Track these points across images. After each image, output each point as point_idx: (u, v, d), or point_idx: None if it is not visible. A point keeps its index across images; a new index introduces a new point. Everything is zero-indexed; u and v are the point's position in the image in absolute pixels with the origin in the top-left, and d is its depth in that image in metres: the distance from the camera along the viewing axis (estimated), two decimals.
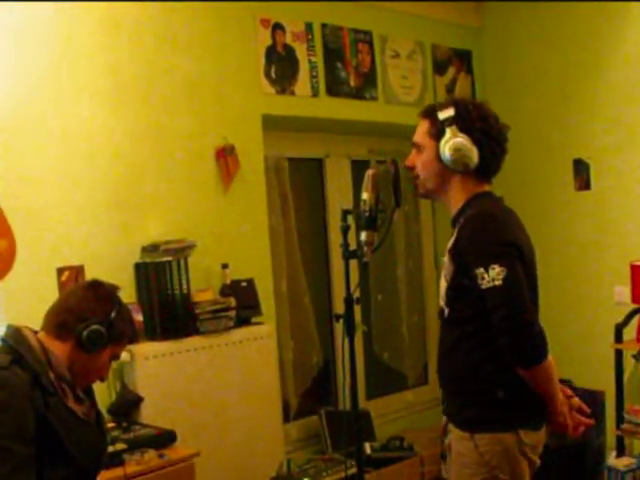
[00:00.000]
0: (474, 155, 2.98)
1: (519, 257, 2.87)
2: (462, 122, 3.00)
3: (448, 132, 2.98)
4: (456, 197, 3.09)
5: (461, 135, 2.98)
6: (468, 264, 2.89)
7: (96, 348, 2.84)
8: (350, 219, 3.34)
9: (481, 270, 2.81)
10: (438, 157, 3.02)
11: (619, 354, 5.46)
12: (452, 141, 2.97)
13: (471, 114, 3.02)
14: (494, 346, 2.85)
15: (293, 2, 5.41)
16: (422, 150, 3.11)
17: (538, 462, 3.02)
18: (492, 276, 2.78)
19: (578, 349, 6.03)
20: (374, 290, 6.44)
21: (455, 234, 3.01)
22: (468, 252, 2.91)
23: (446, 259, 3.03)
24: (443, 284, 3.07)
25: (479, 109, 3.07)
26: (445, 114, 3.01)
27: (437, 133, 3.03)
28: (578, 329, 6.10)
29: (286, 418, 5.52)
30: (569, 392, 3.13)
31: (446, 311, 3.07)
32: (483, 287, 2.81)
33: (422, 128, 3.13)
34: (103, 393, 4.02)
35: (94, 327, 2.81)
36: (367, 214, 3.20)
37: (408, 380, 6.66)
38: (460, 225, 3.00)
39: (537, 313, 2.96)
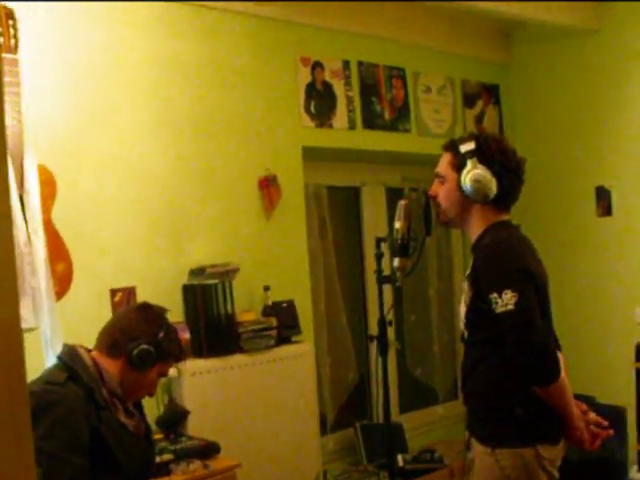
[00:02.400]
0: (493, 186, 3.01)
1: (530, 282, 2.90)
2: (482, 155, 3.03)
3: (469, 164, 3.02)
4: (475, 226, 3.12)
5: (481, 167, 3.00)
6: (483, 289, 2.91)
7: (145, 366, 2.89)
8: (384, 246, 3.37)
9: (495, 295, 2.84)
10: (459, 187, 3.06)
11: (639, 372, 5.42)
12: (472, 172, 3.01)
13: (491, 147, 3.05)
14: (511, 366, 2.87)
15: (331, 42, 5.45)
16: (444, 181, 3.15)
17: (557, 475, 3.03)
18: (505, 301, 2.81)
19: (601, 367, 6.01)
20: (407, 310, 6.44)
21: (473, 261, 3.04)
22: (483, 278, 2.94)
23: (465, 284, 3.06)
24: (463, 308, 3.10)
25: (498, 143, 3.10)
26: (466, 147, 3.04)
27: (459, 165, 3.07)
28: (601, 348, 6.07)
29: (323, 431, 5.52)
30: (585, 407, 3.13)
31: (466, 334, 3.11)
32: (497, 311, 2.84)
33: (445, 160, 3.17)
34: (152, 407, 4.04)
35: (143, 347, 2.86)
36: (399, 242, 3.22)
37: (439, 395, 6.64)
38: (477, 252, 3.03)
39: (550, 335, 2.98)
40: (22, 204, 3.68)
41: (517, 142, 3.13)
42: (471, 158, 3.02)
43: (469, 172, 3.01)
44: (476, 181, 3.00)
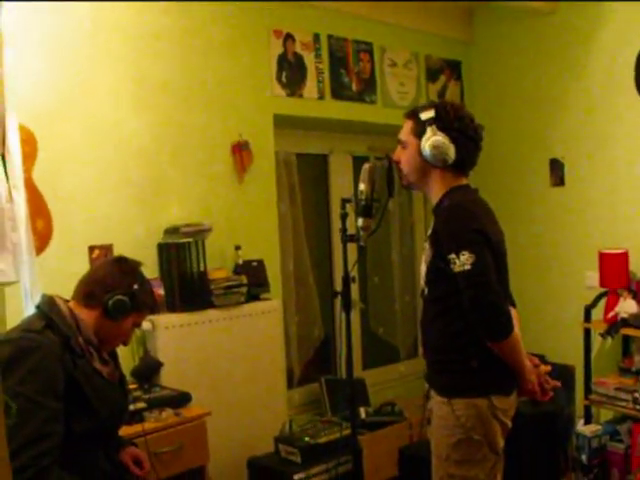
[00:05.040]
0: (451, 152, 3.03)
1: (486, 244, 2.92)
2: (441, 122, 3.04)
3: (428, 131, 3.03)
4: (436, 189, 3.13)
5: (440, 134, 3.02)
6: (443, 250, 2.93)
7: (120, 316, 2.88)
8: (349, 207, 3.36)
9: (453, 255, 2.87)
10: (420, 153, 3.06)
11: (588, 332, 5.46)
12: (432, 139, 3.02)
13: (449, 115, 3.07)
14: (467, 321, 2.88)
15: (303, 15, 5.40)
16: (406, 146, 3.16)
17: (510, 424, 3.07)
18: (462, 261, 2.84)
19: (552, 328, 6.05)
20: (371, 272, 6.45)
21: (433, 222, 3.07)
22: (442, 239, 2.95)
23: (426, 245, 3.09)
24: (423, 267, 3.12)
25: (456, 111, 3.11)
26: (426, 115, 3.05)
27: (419, 132, 3.08)
28: (552, 310, 6.12)
29: (290, 384, 5.54)
30: (537, 361, 3.17)
31: (426, 290, 3.12)
32: (455, 271, 2.87)
33: (407, 127, 3.18)
34: (127, 358, 4.04)
35: (118, 297, 2.85)
36: (364, 203, 3.25)
37: (400, 353, 6.67)
38: (437, 215, 3.05)
39: (504, 294, 3.01)
40: (3, 163, 3.64)
41: (477, 116, 3.12)
42: (430, 125, 3.03)
43: (428, 139, 3.03)
44: (435, 147, 3.02)
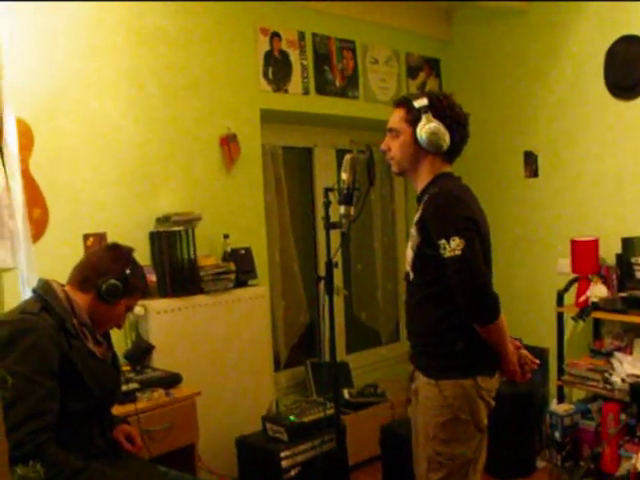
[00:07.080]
0: (447, 138, 3.02)
1: (476, 231, 2.90)
2: (435, 110, 3.01)
3: (424, 118, 3.00)
4: (423, 176, 3.10)
5: (435, 121, 3.00)
6: (432, 236, 2.91)
7: (113, 299, 2.89)
8: (331, 196, 3.37)
9: (443, 241, 2.84)
10: (414, 140, 3.04)
11: (560, 316, 5.50)
12: (428, 126, 2.99)
13: (442, 103, 3.05)
14: (454, 305, 2.88)
15: (288, 14, 5.41)
16: (398, 134, 3.11)
17: (493, 403, 3.07)
18: (453, 247, 2.82)
19: (527, 312, 6.08)
20: (354, 260, 6.46)
21: (420, 209, 3.03)
22: (432, 225, 2.92)
23: (413, 231, 3.05)
24: (409, 253, 3.10)
25: (447, 99, 3.09)
26: (420, 103, 3.02)
27: (413, 119, 3.04)
28: (527, 295, 6.15)
29: (277, 367, 5.55)
30: (518, 344, 3.16)
31: (412, 275, 3.10)
32: (445, 256, 2.84)
33: (398, 115, 3.12)
34: (121, 342, 4.07)
35: (112, 281, 2.87)
36: (345, 191, 3.23)
37: (382, 337, 6.70)
38: (425, 201, 3.02)
39: (491, 279, 2.99)
40: (1, 154, 3.64)
41: None
42: (425, 113, 3.00)
43: (425, 125, 3.00)
44: (432, 133, 2.99)
